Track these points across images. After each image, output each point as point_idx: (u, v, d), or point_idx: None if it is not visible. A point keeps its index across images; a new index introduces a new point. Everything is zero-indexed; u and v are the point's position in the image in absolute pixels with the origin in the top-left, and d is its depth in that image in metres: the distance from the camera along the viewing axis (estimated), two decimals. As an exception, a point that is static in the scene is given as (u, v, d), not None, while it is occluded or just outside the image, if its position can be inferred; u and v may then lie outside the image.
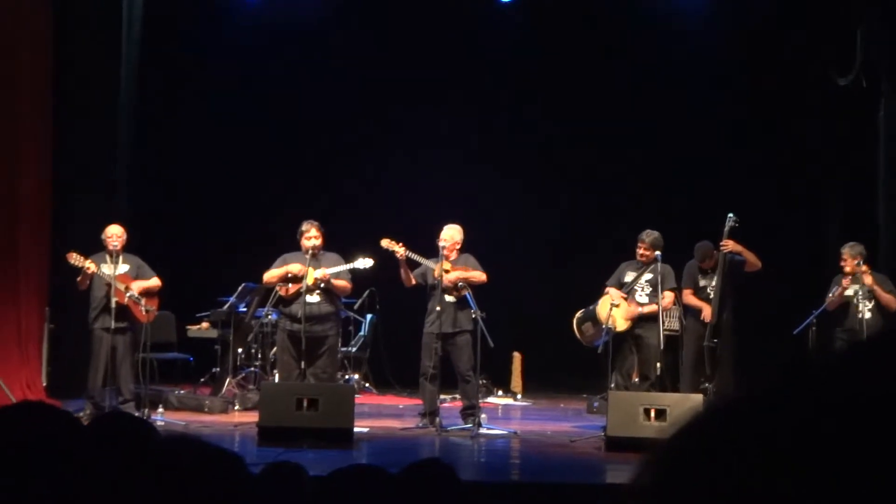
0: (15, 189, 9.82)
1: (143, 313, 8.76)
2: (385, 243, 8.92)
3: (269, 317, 10.48)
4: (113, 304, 8.58)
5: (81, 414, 8.32)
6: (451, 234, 9.06)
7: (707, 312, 9.18)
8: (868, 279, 8.96)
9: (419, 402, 9.22)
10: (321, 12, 12.45)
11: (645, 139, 12.54)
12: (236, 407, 9.97)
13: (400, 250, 8.88)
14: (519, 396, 11.83)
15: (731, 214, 9.20)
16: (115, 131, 10.93)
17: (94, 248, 8.80)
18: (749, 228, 9.40)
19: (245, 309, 10.82)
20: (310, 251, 8.90)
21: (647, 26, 12.59)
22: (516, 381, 11.99)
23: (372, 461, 6.58)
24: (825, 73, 11.53)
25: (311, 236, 8.94)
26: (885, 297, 8.97)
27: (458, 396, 9.61)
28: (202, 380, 10.85)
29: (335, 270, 8.98)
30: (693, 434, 0.67)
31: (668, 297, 8.95)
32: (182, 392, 10.25)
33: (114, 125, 10.92)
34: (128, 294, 8.65)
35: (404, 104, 12.69)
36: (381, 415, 10.03)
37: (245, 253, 10.61)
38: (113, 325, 8.59)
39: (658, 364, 8.75)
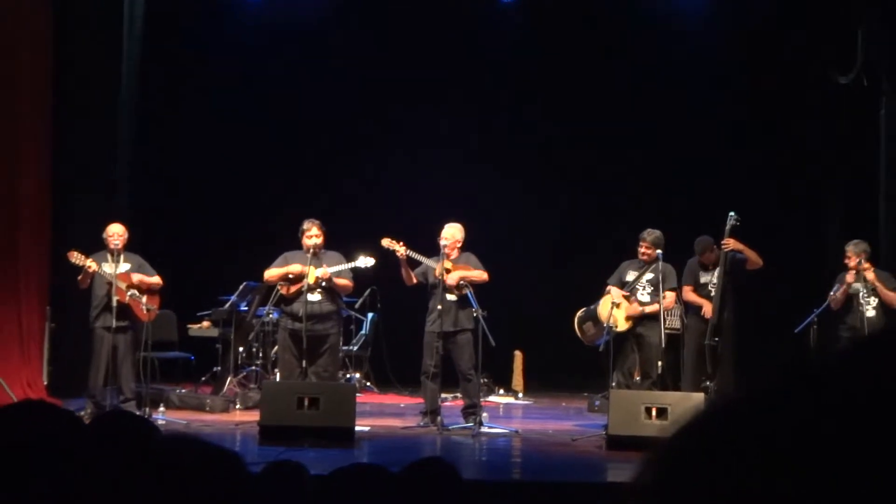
0: (15, 189, 9.82)
1: (144, 312, 8.76)
2: (385, 243, 8.92)
3: (271, 315, 10.48)
4: (114, 303, 8.56)
5: (82, 413, 8.31)
6: (452, 233, 9.05)
7: (708, 309, 9.18)
8: (871, 276, 8.97)
9: (420, 400, 9.22)
10: (321, 12, 12.45)
11: (645, 139, 12.53)
12: (237, 406, 9.97)
13: (400, 249, 8.88)
14: (520, 395, 11.84)
15: (732, 213, 9.20)
16: (115, 131, 10.92)
17: (95, 247, 8.79)
18: (749, 228, 9.40)
19: (246, 308, 10.83)
20: (311, 250, 8.90)
21: (646, 27, 12.59)
22: (517, 380, 11.99)
23: (373, 460, 6.57)
24: (825, 73, 11.52)
25: (313, 235, 8.93)
26: (889, 294, 8.97)
27: (459, 395, 9.61)
28: (203, 379, 10.85)
29: (336, 269, 8.97)
30: (693, 434, 0.68)
31: (669, 296, 8.95)
32: (183, 391, 10.25)
33: (114, 125, 10.91)
34: (129, 292, 8.64)
35: (404, 104, 12.68)
36: (383, 414, 10.02)
37: (246, 251, 10.61)
38: (114, 323, 8.58)
39: (659, 363, 8.75)
